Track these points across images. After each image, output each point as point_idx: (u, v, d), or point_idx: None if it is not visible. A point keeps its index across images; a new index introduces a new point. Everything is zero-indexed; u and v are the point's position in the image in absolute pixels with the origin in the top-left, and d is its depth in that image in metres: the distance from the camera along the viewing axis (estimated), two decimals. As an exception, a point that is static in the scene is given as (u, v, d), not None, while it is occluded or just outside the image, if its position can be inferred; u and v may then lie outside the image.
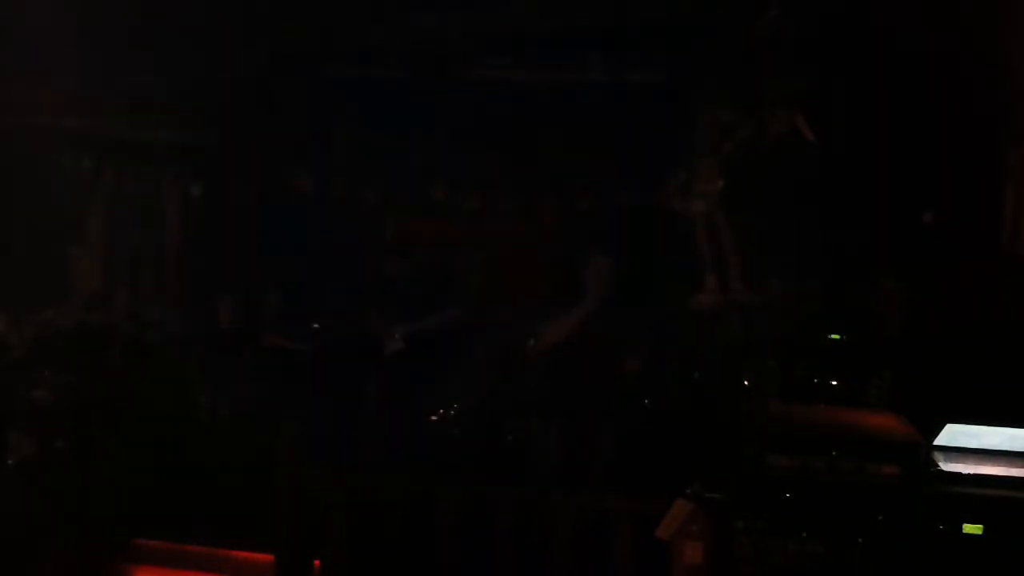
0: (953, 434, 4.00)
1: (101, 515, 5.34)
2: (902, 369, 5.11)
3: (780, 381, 5.55)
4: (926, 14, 5.03)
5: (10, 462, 5.29)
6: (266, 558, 4.80)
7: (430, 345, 7.32)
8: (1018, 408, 4.08)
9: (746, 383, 5.49)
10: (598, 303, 5.76)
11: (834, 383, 5.35)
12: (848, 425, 4.04)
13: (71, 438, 5.45)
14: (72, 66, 6.31)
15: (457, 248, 10.42)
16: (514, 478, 4.90)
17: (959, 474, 3.75)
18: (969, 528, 3.62)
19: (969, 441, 4.00)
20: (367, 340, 7.21)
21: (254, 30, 6.70)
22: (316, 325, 7.56)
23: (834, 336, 5.64)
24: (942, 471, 3.77)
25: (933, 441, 3.97)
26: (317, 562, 4.65)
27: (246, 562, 5.15)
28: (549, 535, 4.34)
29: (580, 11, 6.43)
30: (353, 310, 7.40)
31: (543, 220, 9.90)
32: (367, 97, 9.17)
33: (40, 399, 5.59)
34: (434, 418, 6.17)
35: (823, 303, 5.83)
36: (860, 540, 3.70)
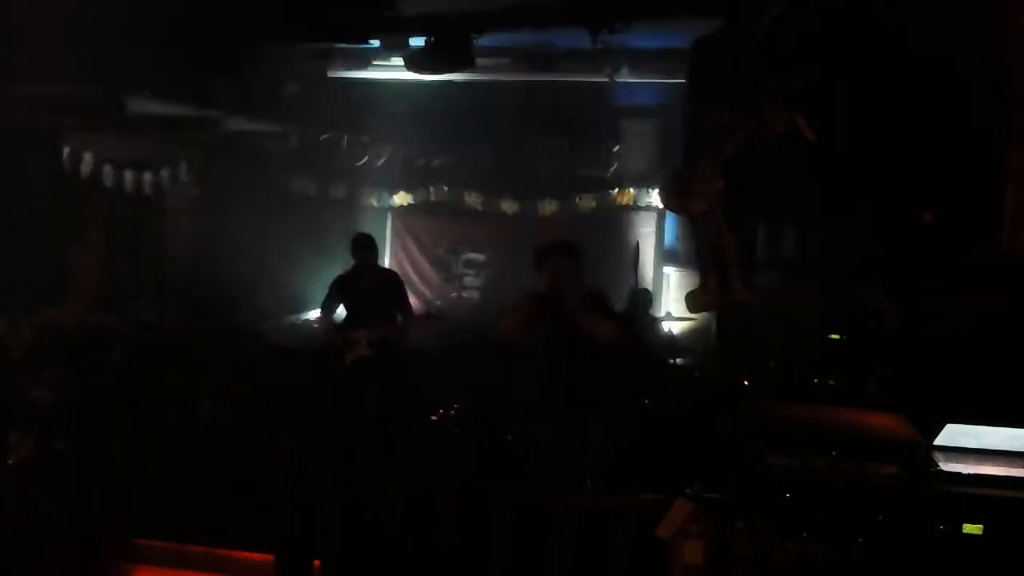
0: (953, 434, 4.00)
1: (101, 515, 5.34)
2: (902, 369, 5.11)
3: (780, 381, 5.55)
4: (927, 14, 5.04)
5: (10, 462, 5.29)
6: (266, 558, 4.79)
7: (428, 345, 7.32)
8: (1018, 408, 4.08)
9: (746, 383, 5.49)
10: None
11: (834, 383, 5.35)
12: (848, 425, 4.04)
13: (71, 438, 5.45)
14: (72, 66, 6.32)
15: (456, 247, 10.45)
16: (514, 478, 4.89)
17: (959, 474, 3.75)
18: (969, 528, 3.62)
19: (969, 441, 3.99)
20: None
21: (255, 30, 6.70)
22: (316, 325, 7.56)
23: (834, 336, 5.64)
24: (942, 471, 3.77)
25: (933, 441, 3.96)
26: (317, 562, 4.65)
27: (246, 562, 5.15)
28: (549, 535, 4.33)
29: (580, 11, 6.43)
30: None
31: (542, 219, 9.91)
32: (367, 97, 9.19)
33: (40, 399, 5.59)
34: (434, 418, 6.17)
35: (823, 303, 5.82)
36: (860, 540, 3.70)
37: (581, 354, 5.11)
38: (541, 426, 5.21)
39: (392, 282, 7.12)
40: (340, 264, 7.55)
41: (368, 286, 6.83)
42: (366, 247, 6.89)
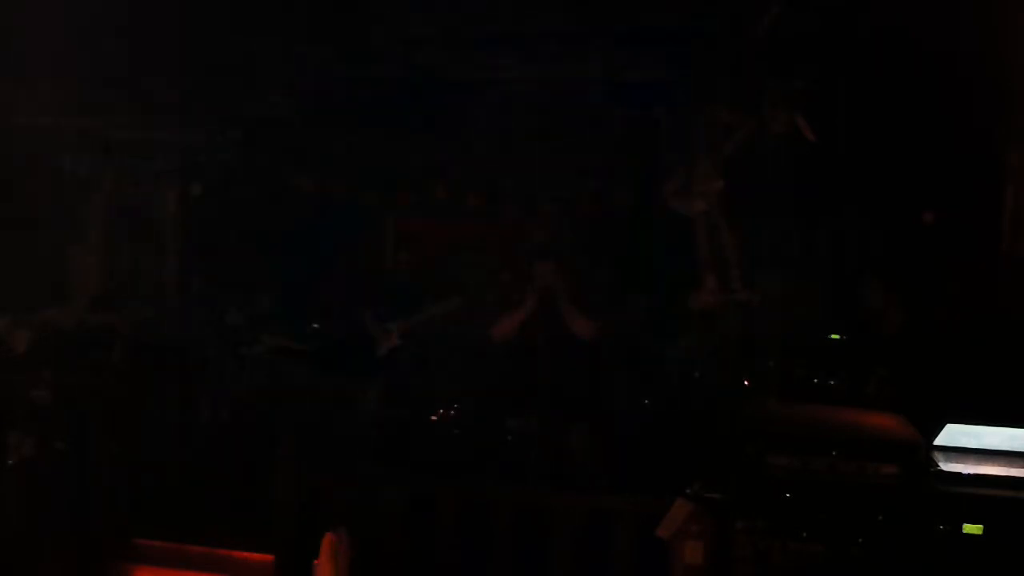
0: (953, 434, 4.00)
1: (101, 515, 5.34)
2: (902, 369, 5.11)
3: (780, 381, 5.55)
4: (926, 14, 5.04)
5: (10, 462, 5.28)
6: (266, 558, 4.79)
7: (429, 345, 7.32)
8: (1018, 408, 4.08)
9: (746, 383, 5.49)
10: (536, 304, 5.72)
11: (834, 383, 5.36)
12: (848, 425, 4.04)
13: (71, 438, 5.45)
14: (72, 66, 6.32)
15: (457, 248, 10.43)
16: (514, 478, 4.90)
17: (959, 474, 3.75)
18: (969, 528, 3.62)
19: (969, 441, 4.00)
20: (366, 339, 7.20)
21: (255, 30, 6.69)
22: (316, 325, 7.56)
23: (834, 336, 5.64)
24: (942, 471, 3.77)
25: (933, 441, 3.97)
26: (317, 562, 4.64)
27: (246, 562, 5.15)
28: (549, 535, 4.34)
29: (580, 11, 6.42)
30: (352, 309, 7.38)
31: (542, 220, 9.89)
32: (367, 97, 9.18)
33: (40, 399, 5.59)
34: (434, 418, 6.17)
35: (823, 303, 5.82)
36: (860, 540, 3.70)
37: (578, 355, 5.12)
38: (540, 426, 5.21)
39: (425, 280, 7.37)
40: (340, 264, 7.58)
41: (402, 285, 7.08)
42: (403, 247, 7.19)
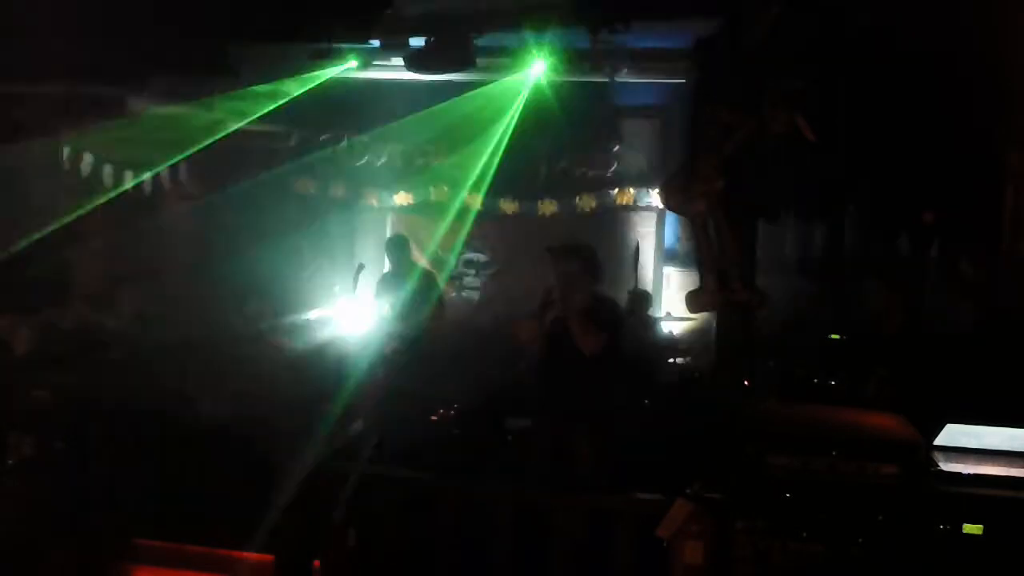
0: (953, 434, 4.00)
1: (101, 515, 5.34)
2: (902, 369, 5.11)
3: (780, 381, 5.55)
4: (926, 14, 5.04)
5: (10, 462, 5.29)
6: (266, 558, 4.79)
7: (430, 344, 7.33)
8: (1018, 408, 4.08)
9: (746, 383, 5.50)
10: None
11: (834, 383, 5.36)
12: (848, 425, 4.04)
13: (71, 438, 5.45)
14: (72, 66, 6.32)
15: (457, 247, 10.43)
16: (514, 478, 4.89)
17: (959, 474, 3.75)
18: (969, 528, 3.62)
19: (969, 441, 3.99)
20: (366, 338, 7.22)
21: (255, 30, 6.70)
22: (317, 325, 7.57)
23: (834, 336, 5.65)
24: (942, 471, 3.77)
25: (933, 441, 3.97)
26: (317, 562, 4.65)
27: (246, 562, 5.15)
28: (549, 535, 4.34)
29: (580, 10, 6.43)
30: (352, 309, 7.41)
31: (543, 219, 9.89)
32: (367, 97, 9.18)
33: (40, 399, 5.59)
34: (434, 418, 6.17)
35: (823, 303, 5.83)
36: (860, 540, 3.70)
37: (580, 356, 5.10)
38: (542, 426, 5.20)
39: (427, 280, 7.43)
40: (341, 264, 7.64)
41: (405, 284, 7.09)
42: (400, 247, 7.41)
